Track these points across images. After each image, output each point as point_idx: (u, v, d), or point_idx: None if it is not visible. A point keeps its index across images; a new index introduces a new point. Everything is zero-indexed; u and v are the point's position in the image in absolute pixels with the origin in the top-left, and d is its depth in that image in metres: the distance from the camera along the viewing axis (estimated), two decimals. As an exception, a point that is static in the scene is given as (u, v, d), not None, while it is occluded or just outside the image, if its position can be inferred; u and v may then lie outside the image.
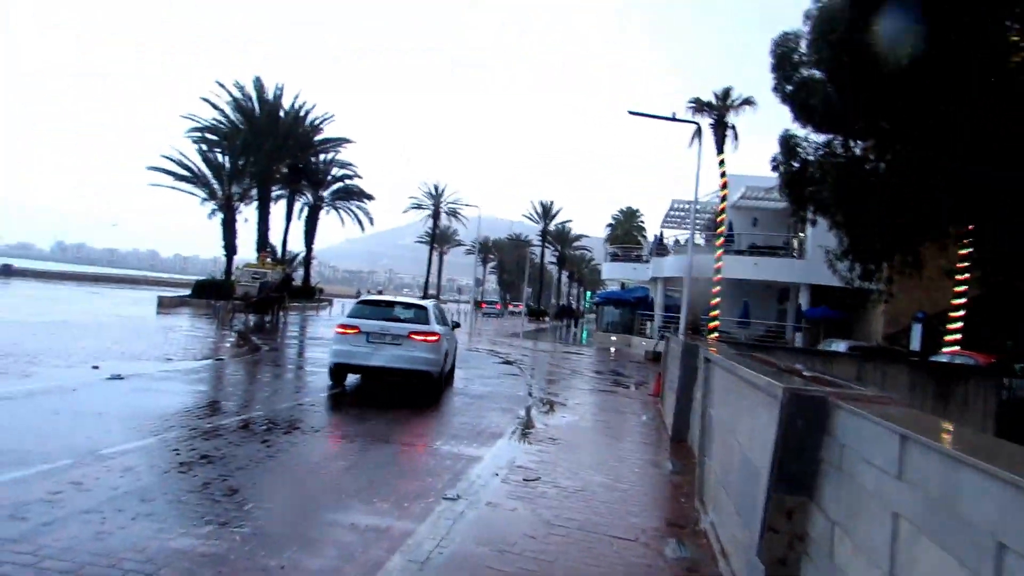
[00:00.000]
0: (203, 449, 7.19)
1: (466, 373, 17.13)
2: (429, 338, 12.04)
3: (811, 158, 15.77)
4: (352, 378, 13.16)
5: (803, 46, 14.87)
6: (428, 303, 13.92)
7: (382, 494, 6.22)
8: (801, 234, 29.37)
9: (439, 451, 8.22)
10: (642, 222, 78.20)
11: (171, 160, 39.67)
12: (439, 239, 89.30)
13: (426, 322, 12.41)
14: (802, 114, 15.23)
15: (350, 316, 12.68)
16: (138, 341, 17.30)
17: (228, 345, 18.99)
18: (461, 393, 13.58)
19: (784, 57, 15.28)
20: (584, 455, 8.83)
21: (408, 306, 13.24)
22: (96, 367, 12.36)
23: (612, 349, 34.00)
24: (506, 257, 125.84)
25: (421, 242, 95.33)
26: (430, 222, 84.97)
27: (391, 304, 13.18)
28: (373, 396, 12.65)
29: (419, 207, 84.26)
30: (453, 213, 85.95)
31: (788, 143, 16.05)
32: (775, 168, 16.46)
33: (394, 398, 12.29)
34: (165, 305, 32.72)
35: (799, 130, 15.97)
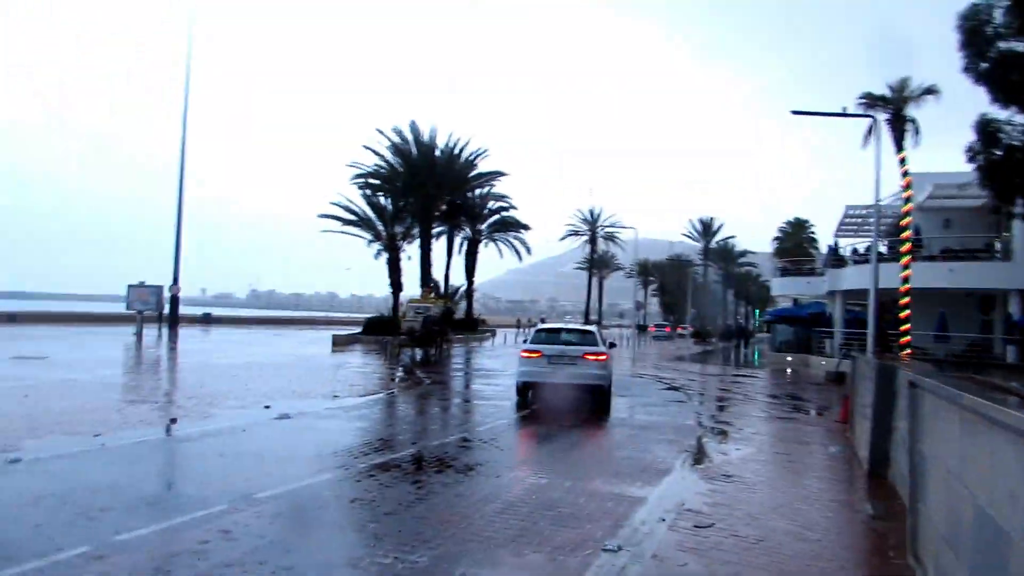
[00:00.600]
0: (353, 492, 7.00)
1: (629, 401, 16.30)
2: (599, 357, 14.24)
3: (1017, 143, 13.65)
4: (513, 413, 12.87)
5: (997, 16, 12.98)
6: (593, 328, 16.94)
7: (534, 544, 5.65)
8: (1006, 233, 25.87)
9: (599, 491, 7.54)
10: (812, 233, 73.21)
11: (339, 206, 42.19)
12: (597, 264, 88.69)
13: (595, 344, 14.54)
14: (1002, 93, 13.25)
15: (532, 343, 14.81)
16: (310, 379, 18.04)
17: (393, 380, 19.40)
18: (623, 423, 12.81)
19: (975, 31, 13.41)
20: (764, 495, 7.79)
21: (578, 332, 15.98)
22: (267, 407, 12.83)
23: (787, 370, 31.60)
24: (667, 279, 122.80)
25: (580, 268, 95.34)
26: (588, 248, 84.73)
27: (564, 331, 15.92)
28: (532, 429, 12.21)
29: (575, 234, 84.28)
30: (610, 237, 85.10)
31: (986, 128, 14.02)
32: (971, 159, 14.43)
33: (554, 430, 11.77)
34: (338, 343, 34.46)
35: (999, 112, 13.92)
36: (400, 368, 23.37)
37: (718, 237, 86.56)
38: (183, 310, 58.34)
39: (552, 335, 15.19)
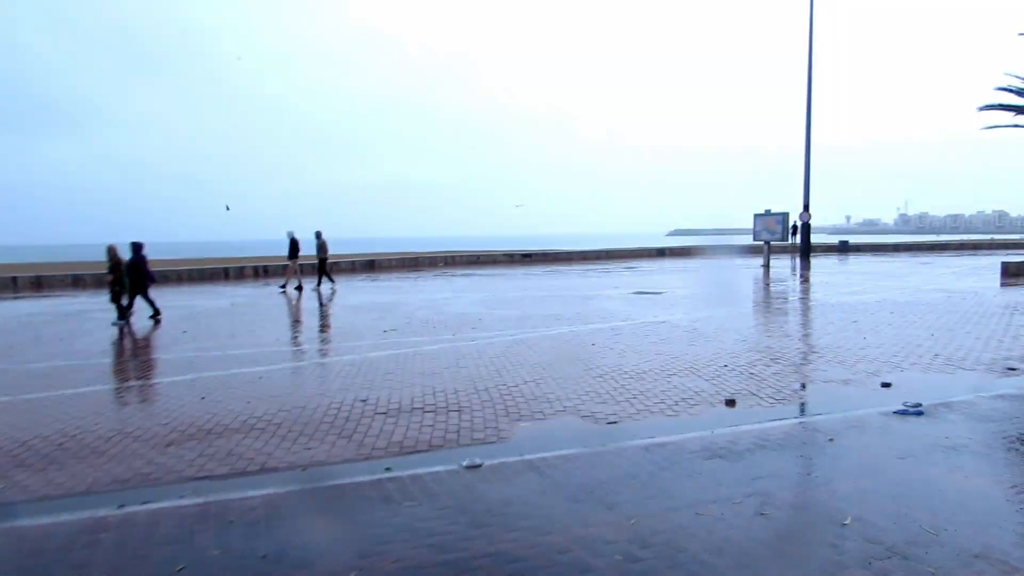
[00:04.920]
0: None
1: None
2: None
3: None
4: None
5: None
6: None
7: None
8: None
9: None
10: None
11: (1010, 91, 31.67)
12: None
13: None
14: None
15: None
16: (962, 330, 12.14)
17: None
18: None
19: None
20: None
21: None
22: (886, 384, 8.10)
23: None
24: None
25: None
26: None
27: None
28: None
29: None
30: None
31: None
32: None
33: None
34: (1011, 273, 25.69)
35: None
36: None
37: None
38: (822, 239, 54.84)
39: None
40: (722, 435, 6.17)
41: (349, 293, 21.98)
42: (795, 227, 40.80)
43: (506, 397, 7.63)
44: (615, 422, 6.66)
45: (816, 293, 20.40)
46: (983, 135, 33.26)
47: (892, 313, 14.89)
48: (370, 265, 35.90)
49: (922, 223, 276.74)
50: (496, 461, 5.49)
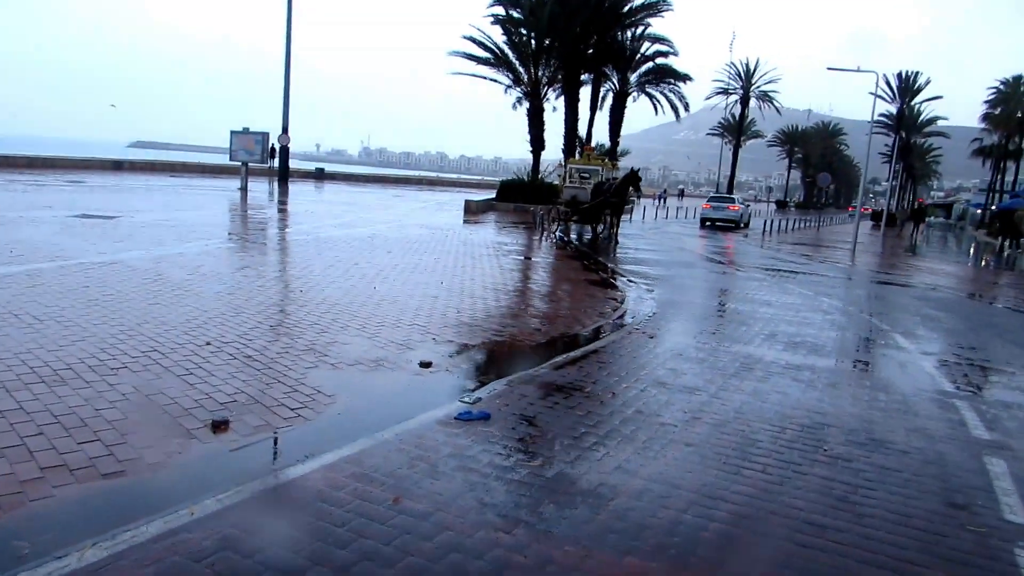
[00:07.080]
0: None
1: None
2: (736, 207, 33.91)
3: None
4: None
5: None
6: (736, 196, 43.62)
7: None
8: None
9: None
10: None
11: (472, 41, 34.25)
12: (732, 130, 76.20)
13: (733, 203, 34.65)
14: None
15: (708, 201, 35.35)
16: (464, 276, 11.35)
17: (595, 302, 12.48)
18: None
19: None
20: None
21: (725, 197, 37.74)
22: (426, 364, 6.22)
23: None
24: (812, 150, 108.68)
25: (713, 134, 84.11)
26: (711, 116, 72.61)
27: (720, 197, 37.54)
28: None
29: (725, 92, 72.40)
30: (765, 97, 72.71)
31: None
32: None
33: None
34: (472, 211, 27.93)
35: None
36: (573, 256, 16.48)
37: (921, 99, 72.30)
38: (296, 165, 53.15)
39: (714, 199, 35.74)
40: (187, 530, 3.30)
41: None
42: (273, 149, 38.06)
43: None
44: None
45: (304, 225, 18.30)
46: (441, 81, 35.36)
47: (390, 253, 13.61)
48: None
49: (382, 157, 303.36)
50: None
